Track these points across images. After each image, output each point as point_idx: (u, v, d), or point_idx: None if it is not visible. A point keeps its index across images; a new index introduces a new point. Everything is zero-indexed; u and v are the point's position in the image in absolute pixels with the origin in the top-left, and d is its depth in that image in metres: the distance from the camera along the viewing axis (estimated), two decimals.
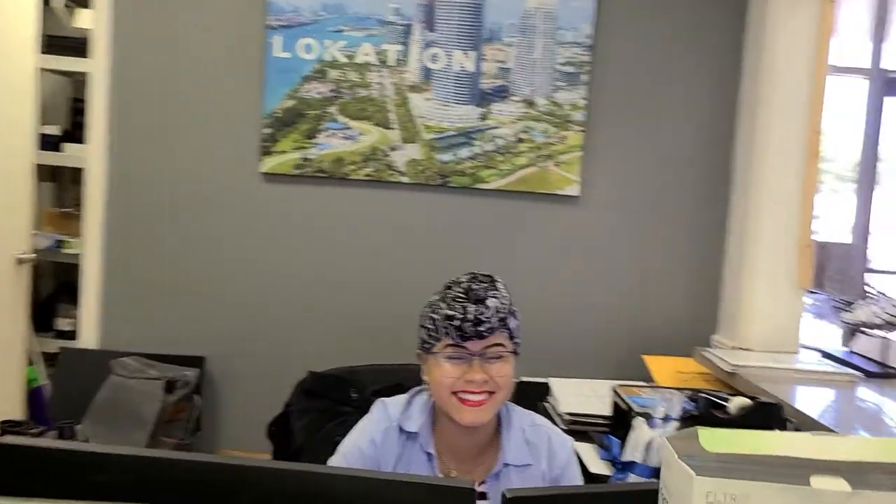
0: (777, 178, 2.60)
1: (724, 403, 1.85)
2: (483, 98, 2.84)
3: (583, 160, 2.86)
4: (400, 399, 1.55)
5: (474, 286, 1.45)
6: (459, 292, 1.45)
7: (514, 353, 1.47)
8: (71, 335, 3.48)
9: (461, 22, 2.82)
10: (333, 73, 2.83)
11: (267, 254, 2.89)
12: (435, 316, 1.46)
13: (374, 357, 2.17)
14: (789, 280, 2.61)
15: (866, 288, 2.61)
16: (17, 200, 2.92)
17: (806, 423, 1.71)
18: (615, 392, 2.19)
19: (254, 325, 2.90)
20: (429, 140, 2.85)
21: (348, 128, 2.84)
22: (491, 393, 1.42)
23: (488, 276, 1.48)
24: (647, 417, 1.76)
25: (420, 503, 0.73)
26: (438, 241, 2.89)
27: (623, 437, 1.82)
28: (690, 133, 2.87)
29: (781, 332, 2.60)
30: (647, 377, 2.65)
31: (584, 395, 2.54)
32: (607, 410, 2.24)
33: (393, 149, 2.85)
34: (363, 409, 1.91)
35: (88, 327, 2.88)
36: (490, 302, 1.42)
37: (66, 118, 3.62)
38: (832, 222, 3.02)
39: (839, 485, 0.56)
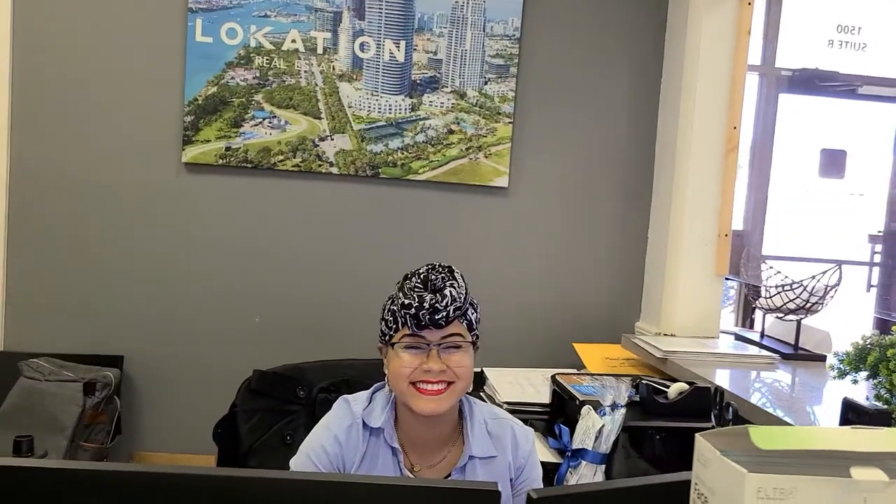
0: (697, 171, 2.72)
1: (664, 389, 1.93)
2: (414, 88, 2.82)
3: (512, 152, 2.89)
4: (362, 395, 1.53)
5: (432, 276, 1.45)
6: (417, 282, 1.45)
7: (474, 344, 1.48)
8: None
9: (391, 11, 2.78)
10: (259, 60, 2.73)
11: (188, 248, 2.77)
12: (393, 307, 1.45)
13: (300, 353, 2.12)
14: (709, 268, 2.74)
15: (764, 272, 2.76)
16: None
17: (743, 407, 1.80)
18: (554, 380, 2.24)
19: (174, 322, 2.77)
20: (359, 130, 2.80)
21: (275, 116, 2.76)
22: (449, 383, 1.42)
23: (447, 266, 1.48)
24: (595, 405, 1.81)
25: None
26: (369, 233, 2.86)
27: (566, 425, 1.87)
28: (615, 126, 2.95)
29: (703, 318, 2.73)
30: (575, 363, 2.72)
31: (519, 384, 2.58)
32: (544, 398, 2.29)
33: (322, 139, 2.79)
34: (310, 407, 1.88)
35: None
36: (447, 291, 1.42)
37: None
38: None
39: (877, 475, 0.60)
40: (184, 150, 2.72)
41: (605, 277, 3.00)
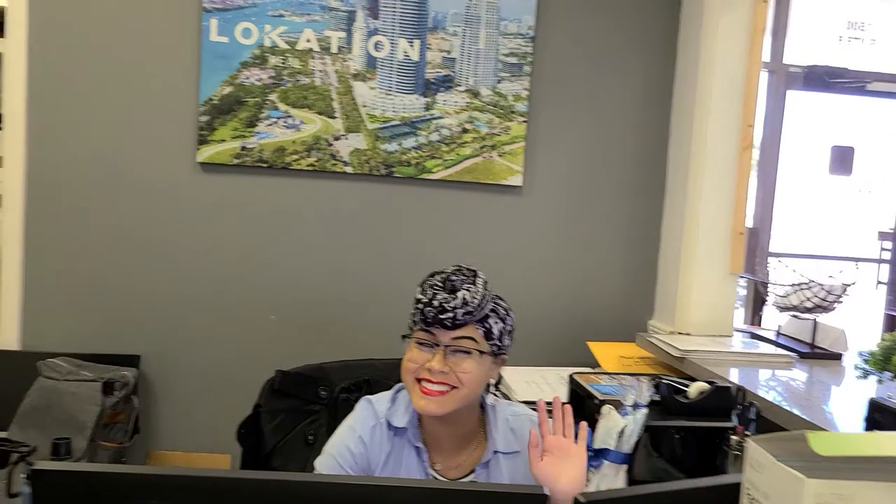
0: (712, 169, 2.72)
1: (684, 389, 1.93)
2: (428, 87, 2.82)
3: (526, 150, 2.89)
4: (385, 395, 1.54)
5: (453, 277, 1.45)
6: (437, 280, 1.45)
7: (492, 354, 1.47)
8: None
9: (405, 10, 2.78)
10: (274, 60, 2.73)
11: (204, 247, 2.78)
12: (414, 299, 1.45)
13: (316, 353, 2.13)
14: (723, 266, 2.74)
15: (778, 270, 2.77)
16: None
17: (763, 406, 1.80)
18: (573, 379, 2.24)
19: (190, 321, 2.78)
20: (373, 129, 2.81)
21: (290, 116, 2.76)
22: (452, 388, 1.42)
23: (473, 270, 1.48)
24: (617, 405, 1.81)
25: None
26: (383, 232, 2.86)
27: (587, 424, 1.87)
28: (628, 124, 2.96)
29: (717, 316, 2.73)
30: (588, 362, 2.73)
31: (535, 383, 2.59)
32: (561, 397, 2.29)
33: (336, 138, 2.79)
34: (332, 407, 1.88)
35: (9, 327, 2.68)
36: (460, 294, 1.42)
37: None
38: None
39: None
40: (199, 149, 2.73)
41: (617, 275, 3.00)
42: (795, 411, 1.83)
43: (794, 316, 2.51)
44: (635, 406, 1.78)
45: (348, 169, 2.81)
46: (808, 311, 2.46)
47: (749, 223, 3.07)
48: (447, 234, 2.89)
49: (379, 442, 1.47)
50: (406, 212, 2.87)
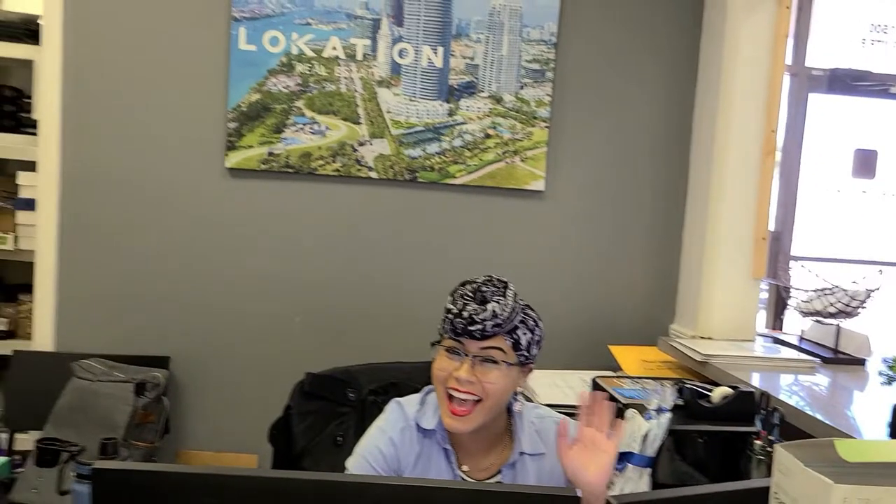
0: (734, 174, 2.73)
1: (707, 393, 1.95)
2: (451, 94, 2.86)
3: (548, 156, 2.92)
4: (414, 398, 1.57)
5: (484, 288, 1.48)
6: (468, 290, 1.48)
7: (520, 364, 1.50)
8: (4, 335, 3.33)
9: (429, 17, 2.82)
10: (300, 67, 2.78)
11: (232, 250, 2.84)
12: (445, 308, 1.49)
13: (341, 355, 2.17)
14: (745, 271, 2.76)
15: (800, 275, 2.77)
16: None
17: (786, 411, 1.82)
18: (596, 383, 2.27)
19: (219, 324, 2.84)
20: (397, 135, 2.85)
21: (315, 122, 2.81)
22: (478, 401, 1.45)
23: (504, 281, 1.51)
24: (640, 409, 1.84)
25: None
26: (408, 237, 2.90)
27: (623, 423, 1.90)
28: (650, 129, 2.98)
29: (739, 321, 2.75)
30: (609, 365, 2.75)
31: (557, 386, 2.62)
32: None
33: (361, 144, 2.84)
34: (361, 409, 1.93)
35: (44, 329, 2.75)
36: (490, 306, 1.44)
37: None
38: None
39: None
40: (227, 155, 2.78)
41: (639, 279, 3.02)
42: (819, 416, 1.85)
43: (817, 321, 2.52)
44: (659, 410, 1.81)
45: (373, 174, 2.85)
46: (832, 316, 2.47)
47: (771, 227, 3.08)
48: (470, 238, 2.93)
49: (409, 443, 1.51)
50: (429, 216, 2.91)
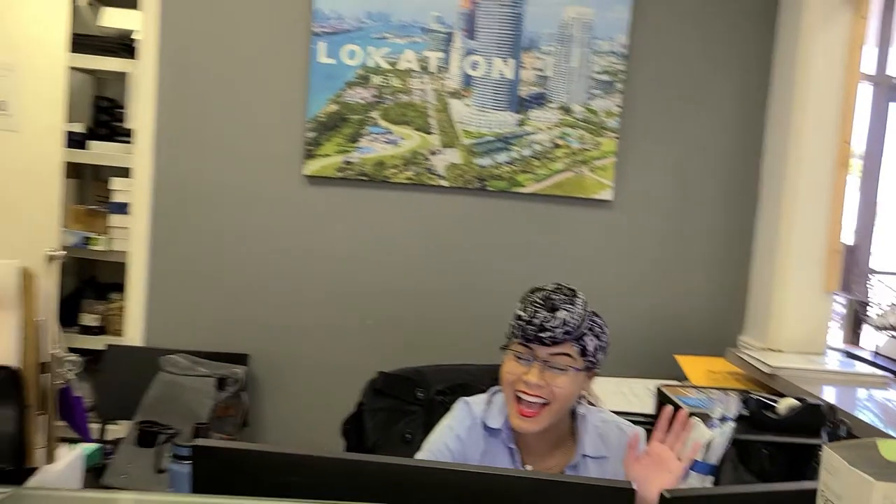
0: (807, 186, 2.70)
1: (773, 404, 1.95)
2: (521, 105, 2.92)
3: (616, 166, 2.95)
4: (481, 398, 1.64)
5: (553, 295, 1.54)
6: (538, 297, 1.54)
7: (586, 370, 1.56)
8: (96, 331, 3.57)
9: (501, 30, 2.89)
10: (376, 79, 2.90)
11: (309, 254, 2.97)
12: (514, 314, 1.55)
13: (411, 356, 2.25)
14: (818, 284, 2.72)
15: (878, 289, 2.71)
16: (47, 198, 2.99)
17: (856, 425, 1.81)
18: (660, 392, 2.29)
19: (296, 324, 2.97)
20: (468, 145, 2.93)
21: (390, 132, 2.92)
22: (545, 404, 1.51)
23: (572, 289, 1.56)
24: (704, 418, 1.85)
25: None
26: (476, 243, 2.98)
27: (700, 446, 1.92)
28: (720, 140, 2.97)
29: (810, 334, 2.71)
30: (675, 375, 2.75)
31: (623, 394, 2.64)
32: (647, 409, 2.34)
33: (433, 153, 2.93)
34: (428, 408, 2.00)
35: (134, 325, 2.94)
36: (560, 313, 1.50)
37: (90, 116, 3.69)
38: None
39: None
40: (305, 163, 2.92)
41: (707, 290, 3.01)
42: (890, 432, 1.83)
43: (893, 336, 2.47)
44: (723, 419, 1.83)
45: (444, 182, 2.93)
46: None
47: (849, 240, 3.02)
48: (537, 246, 2.98)
49: (475, 441, 1.58)
50: (498, 223, 2.98)
